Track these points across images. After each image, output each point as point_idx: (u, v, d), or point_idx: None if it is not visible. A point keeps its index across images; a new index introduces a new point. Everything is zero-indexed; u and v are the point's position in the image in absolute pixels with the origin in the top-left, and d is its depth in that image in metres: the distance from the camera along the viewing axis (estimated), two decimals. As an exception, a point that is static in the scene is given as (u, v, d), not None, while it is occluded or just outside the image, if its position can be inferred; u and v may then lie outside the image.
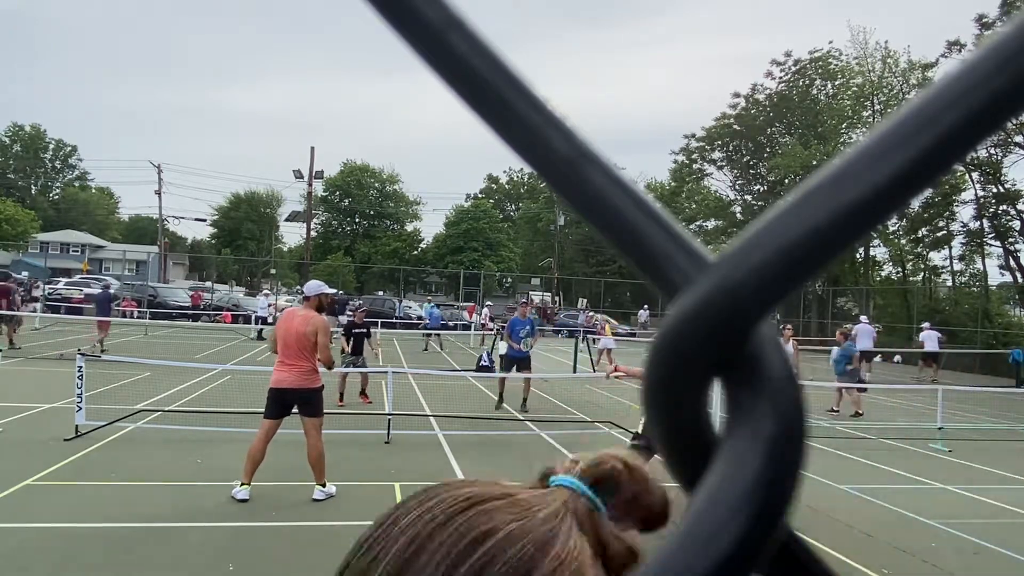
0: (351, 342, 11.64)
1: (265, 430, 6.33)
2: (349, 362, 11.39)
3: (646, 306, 39.86)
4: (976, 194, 33.29)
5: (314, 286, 6.77)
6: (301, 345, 6.34)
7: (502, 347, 17.57)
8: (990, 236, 33.68)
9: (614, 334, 21.37)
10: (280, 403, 6.39)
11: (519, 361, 11.91)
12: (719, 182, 49.45)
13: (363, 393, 11.48)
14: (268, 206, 72.30)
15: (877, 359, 29.61)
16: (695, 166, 49.31)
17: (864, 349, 21.12)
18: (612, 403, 13.14)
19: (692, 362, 0.28)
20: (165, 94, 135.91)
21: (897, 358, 29.61)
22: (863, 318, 24.07)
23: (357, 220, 66.52)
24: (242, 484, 6.23)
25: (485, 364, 16.89)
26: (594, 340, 21.61)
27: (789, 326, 14.14)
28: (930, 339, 22.54)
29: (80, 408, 8.22)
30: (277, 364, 6.41)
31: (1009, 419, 14.28)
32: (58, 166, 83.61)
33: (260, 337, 24.18)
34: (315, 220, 55.11)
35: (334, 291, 7.01)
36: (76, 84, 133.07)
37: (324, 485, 6.50)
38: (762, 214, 0.28)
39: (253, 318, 27.37)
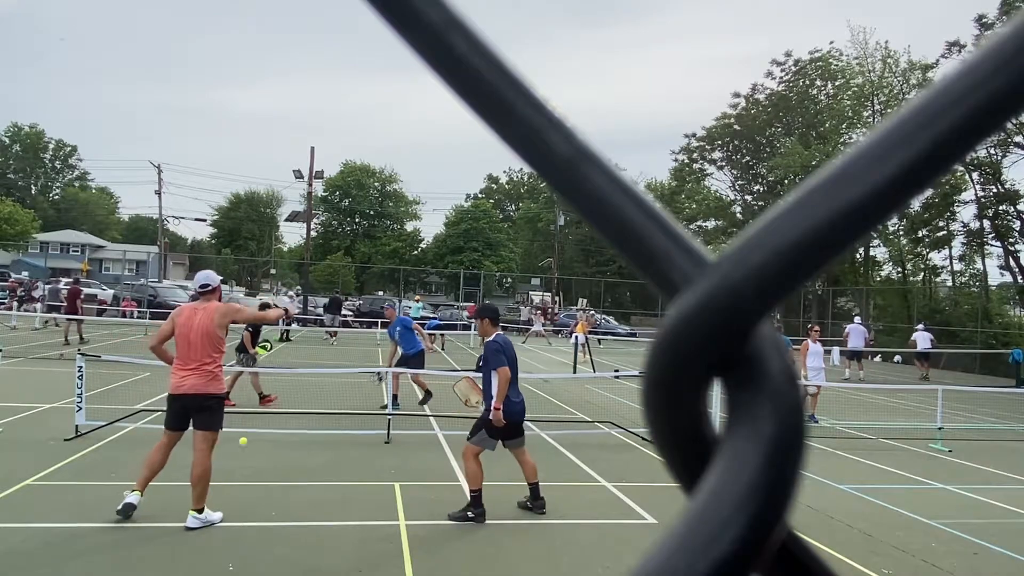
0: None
1: (167, 440, 5.75)
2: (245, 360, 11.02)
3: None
4: (976, 194, 33.32)
5: (212, 276, 6.16)
6: (207, 343, 5.68)
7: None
8: (990, 236, 33.71)
9: (590, 331, 22.02)
10: (183, 412, 5.72)
11: (409, 359, 11.59)
12: (719, 182, 49.55)
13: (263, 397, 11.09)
14: (268, 206, 72.35)
15: (877, 359, 29.80)
16: (695, 166, 49.35)
17: (854, 348, 21.61)
18: (612, 403, 13.14)
19: (692, 362, 0.28)
20: (165, 94, 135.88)
21: (897, 358, 29.66)
22: (857, 319, 24.48)
23: (357, 220, 66.54)
24: (133, 490, 5.67)
25: (485, 364, 16.88)
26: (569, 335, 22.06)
27: (817, 327, 13.92)
28: (922, 339, 23.25)
29: (80, 408, 8.22)
30: (175, 368, 5.69)
31: (1009, 419, 14.28)
32: (58, 166, 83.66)
33: (287, 338, 24.25)
34: (315, 220, 55.08)
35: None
36: (76, 84, 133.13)
37: (201, 511, 5.58)
38: (762, 214, 0.28)
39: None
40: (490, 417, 6.23)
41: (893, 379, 21.34)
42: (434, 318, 26.87)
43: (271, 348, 11.89)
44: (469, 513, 6.09)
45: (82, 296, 20.33)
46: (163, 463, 5.75)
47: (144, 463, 5.75)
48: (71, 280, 24.27)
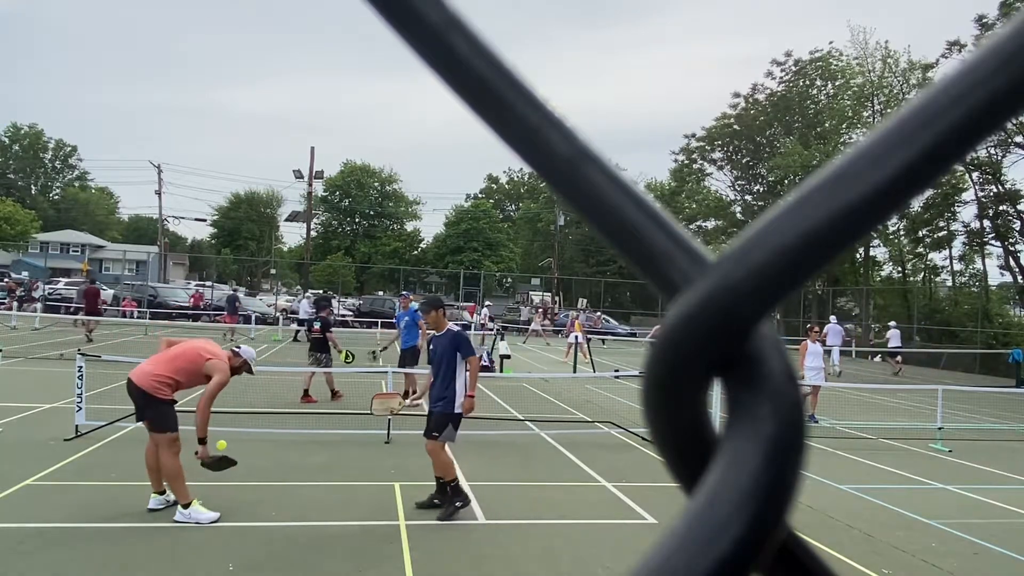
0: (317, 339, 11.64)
1: (149, 438, 5.83)
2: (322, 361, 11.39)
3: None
4: (976, 194, 33.33)
5: (252, 355, 6.40)
6: (187, 363, 5.80)
7: (502, 347, 17.68)
8: (990, 236, 33.73)
9: (586, 331, 22.59)
10: (134, 401, 5.80)
11: (405, 353, 11.90)
12: (719, 182, 49.55)
13: (334, 393, 11.42)
14: (268, 206, 72.31)
15: (877, 359, 29.95)
16: (695, 166, 49.35)
17: (831, 346, 22.35)
18: (612, 403, 13.14)
19: (692, 362, 0.28)
20: (165, 94, 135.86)
21: (897, 358, 29.69)
22: (832, 318, 25.40)
23: (357, 220, 66.54)
24: (153, 494, 5.86)
25: (485, 364, 16.94)
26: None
27: (816, 327, 13.94)
28: (894, 336, 24.91)
29: (80, 408, 8.22)
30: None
31: (1009, 419, 14.28)
32: (58, 166, 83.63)
33: (298, 339, 24.36)
34: (315, 220, 55.13)
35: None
36: (76, 84, 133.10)
37: (187, 506, 5.62)
38: (762, 214, 0.28)
39: (295, 320, 26.73)
40: (460, 408, 6.23)
41: (893, 379, 21.36)
42: None
43: (352, 360, 12.07)
44: (457, 503, 6.07)
45: (101, 296, 21.93)
46: (153, 457, 5.84)
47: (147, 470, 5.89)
48: (89, 280, 25.19)
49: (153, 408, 5.69)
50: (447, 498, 6.19)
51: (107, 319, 26.19)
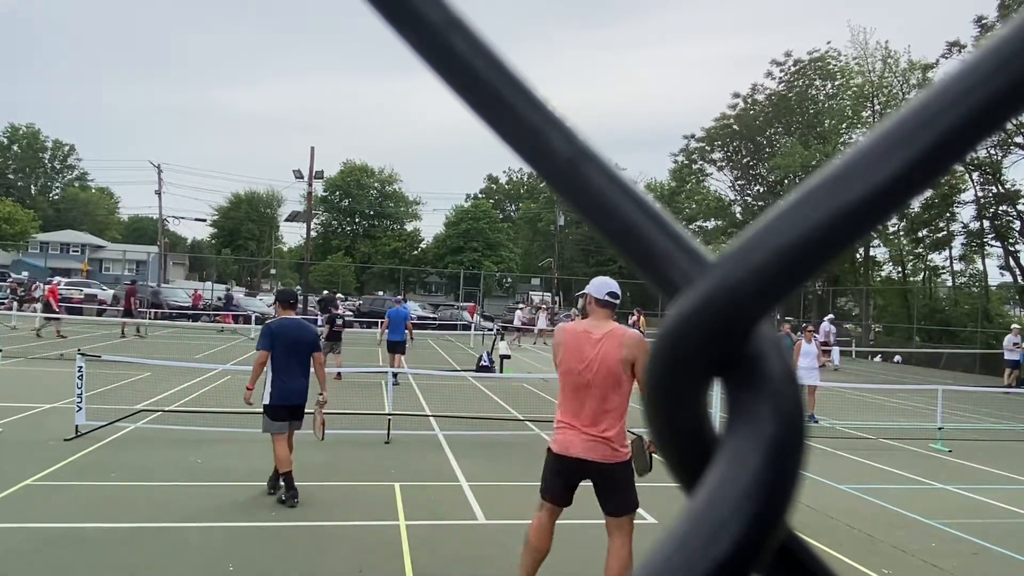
0: None
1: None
2: None
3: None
4: (976, 194, 33.33)
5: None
6: (615, 384, 4.05)
7: (502, 347, 17.69)
8: (990, 236, 33.73)
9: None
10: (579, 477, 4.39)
11: (397, 345, 14.28)
12: (719, 182, 49.54)
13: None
14: (268, 206, 72.31)
15: (877, 359, 30.03)
16: (695, 166, 49.34)
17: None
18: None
19: (692, 362, 0.28)
20: (165, 94, 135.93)
21: (897, 358, 29.73)
22: (828, 317, 26.27)
23: (357, 220, 66.56)
24: None
25: (485, 364, 16.95)
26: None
27: (811, 326, 13.99)
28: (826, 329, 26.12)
29: (80, 408, 8.22)
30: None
31: (1009, 419, 14.28)
32: (57, 166, 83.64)
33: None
34: (315, 220, 55.08)
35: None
36: (75, 84, 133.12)
37: None
38: (762, 214, 0.28)
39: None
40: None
41: (893, 379, 21.36)
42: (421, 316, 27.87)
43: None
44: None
45: (136, 296, 23.35)
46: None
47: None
48: (131, 281, 26.54)
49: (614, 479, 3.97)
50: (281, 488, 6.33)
51: (107, 319, 26.21)
